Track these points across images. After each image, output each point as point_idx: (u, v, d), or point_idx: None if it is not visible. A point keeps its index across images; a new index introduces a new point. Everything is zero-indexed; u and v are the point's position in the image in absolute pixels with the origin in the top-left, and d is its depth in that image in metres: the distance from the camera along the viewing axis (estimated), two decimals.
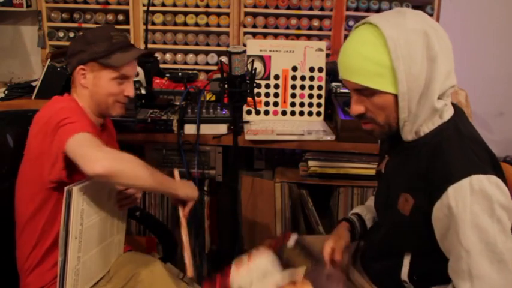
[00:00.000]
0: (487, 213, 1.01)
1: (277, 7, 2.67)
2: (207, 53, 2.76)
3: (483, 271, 1.02)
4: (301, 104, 2.06)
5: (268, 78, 2.03)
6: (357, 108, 1.14)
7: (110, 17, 2.73)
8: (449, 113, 1.12)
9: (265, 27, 2.69)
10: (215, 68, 2.71)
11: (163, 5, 2.70)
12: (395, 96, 1.08)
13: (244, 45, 2.41)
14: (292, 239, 1.32)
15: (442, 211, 1.05)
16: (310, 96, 2.05)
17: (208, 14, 2.70)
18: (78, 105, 1.42)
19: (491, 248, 1.02)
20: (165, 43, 2.75)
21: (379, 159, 1.36)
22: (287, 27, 2.69)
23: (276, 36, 2.69)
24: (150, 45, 2.59)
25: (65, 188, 1.19)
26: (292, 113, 2.06)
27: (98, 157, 1.17)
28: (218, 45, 2.75)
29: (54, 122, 1.26)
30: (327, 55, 2.42)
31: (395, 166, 1.22)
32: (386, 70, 1.06)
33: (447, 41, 1.09)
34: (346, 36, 2.68)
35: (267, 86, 2.04)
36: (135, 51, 1.45)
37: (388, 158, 1.26)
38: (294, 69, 2.04)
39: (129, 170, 1.22)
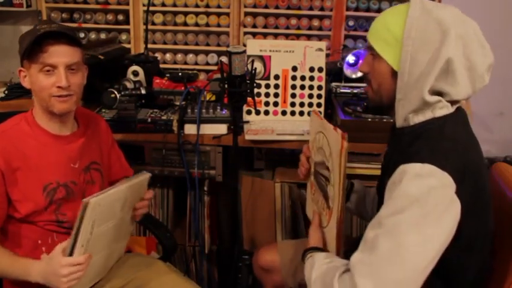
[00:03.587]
0: (416, 202, 0.96)
1: (277, 7, 2.67)
2: (207, 53, 2.76)
3: (378, 249, 0.97)
4: (301, 104, 2.06)
5: (268, 78, 2.03)
6: (363, 66, 1.21)
7: (110, 17, 2.74)
8: (443, 111, 1.10)
9: (265, 27, 2.69)
10: (215, 68, 2.71)
11: (163, 5, 2.71)
12: (393, 71, 1.11)
13: (244, 45, 2.41)
14: None
15: (388, 186, 1.05)
16: (310, 96, 2.05)
17: (208, 14, 2.70)
18: (19, 124, 1.35)
19: (397, 236, 0.96)
20: (165, 43, 2.76)
21: None
22: (287, 27, 2.69)
23: (276, 36, 2.69)
24: (150, 45, 2.59)
25: (83, 201, 1.17)
26: (292, 113, 2.06)
27: None
28: (218, 45, 2.75)
29: None
30: (327, 55, 2.42)
31: (388, 154, 1.25)
32: (394, 41, 1.10)
33: (476, 54, 1.07)
34: (346, 36, 2.72)
35: (267, 86, 2.04)
36: (43, 31, 1.27)
37: (387, 149, 1.28)
38: (294, 69, 2.04)
39: None
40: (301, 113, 2.06)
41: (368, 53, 1.19)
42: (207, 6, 2.69)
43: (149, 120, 1.90)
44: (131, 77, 2.06)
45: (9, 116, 1.54)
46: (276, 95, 2.05)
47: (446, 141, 1.06)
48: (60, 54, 1.29)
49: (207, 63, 2.77)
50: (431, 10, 1.07)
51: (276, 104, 2.05)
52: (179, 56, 2.76)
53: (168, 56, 2.76)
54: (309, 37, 2.72)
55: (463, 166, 1.02)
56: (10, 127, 1.35)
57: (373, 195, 1.47)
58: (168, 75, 2.22)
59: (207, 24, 2.71)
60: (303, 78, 2.04)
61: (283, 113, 2.06)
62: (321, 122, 1.28)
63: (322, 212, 1.28)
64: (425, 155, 1.01)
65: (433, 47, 1.05)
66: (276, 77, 2.03)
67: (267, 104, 2.05)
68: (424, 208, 0.96)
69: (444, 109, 1.10)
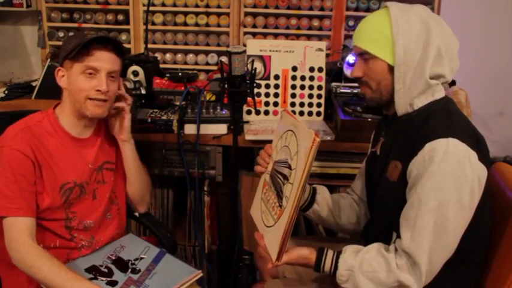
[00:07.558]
0: (452, 177, 1.08)
1: (277, 7, 2.67)
2: (207, 53, 2.76)
3: (425, 227, 1.09)
4: (301, 104, 2.06)
5: (268, 78, 2.03)
6: (356, 71, 1.29)
7: (110, 17, 2.74)
8: (441, 93, 1.23)
9: (265, 27, 2.69)
10: (215, 68, 2.71)
11: (163, 5, 2.71)
12: (390, 66, 1.22)
13: (244, 45, 2.41)
14: None
15: (415, 166, 1.13)
16: (310, 96, 2.05)
17: (208, 14, 2.70)
18: (42, 122, 1.38)
19: (442, 210, 1.08)
20: (165, 43, 2.76)
21: (372, 141, 1.45)
22: (287, 27, 2.69)
23: (276, 36, 2.69)
24: (150, 45, 2.59)
25: None
26: (292, 113, 2.06)
27: None
28: (218, 45, 2.75)
29: None
30: (327, 55, 2.42)
31: (389, 143, 1.29)
32: (386, 41, 1.21)
33: (451, 39, 1.22)
34: (346, 36, 2.71)
35: (267, 86, 2.04)
36: (90, 37, 1.33)
37: (384, 139, 1.33)
38: (294, 69, 2.04)
39: None
40: (301, 113, 2.06)
41: (358, 59, 1.28)
42: (207, 6, 2.69)
43: (149, 120, 1.90)
44: (131, 77, 2.06)
45: (9, 116, 1.54)
46: (276, 95, 2.05)
47: (454, 116, 1.18)
48: (105, 60, 1.35)
49: (207, 63, 2.77)
50: (407, 8, 1.22)
51: (276, 104, 2.05)
52: (179, 56, 2.76)
53: (168, 56, 2.76)
54: (309, 37, 2.72)
55: (475, 136, 1.16)
56: (34, 123, 1.37)
57: (335, 201, 1.49)
58: (168, 75, 2.22)
59: (207, 24, 2.71)
60: (303, 78, 2.04)
61: None
62: (292, 121, 1.31)
63: (271, 211, 1.28)
64: (445, 131, 1.11)
65: (422, 37, 1.19)
66: (276, 77, 2.03)
67: (267, 104, 2.05)
68: (458, 182, 1.08)
69: (441, 92, 1.23)
